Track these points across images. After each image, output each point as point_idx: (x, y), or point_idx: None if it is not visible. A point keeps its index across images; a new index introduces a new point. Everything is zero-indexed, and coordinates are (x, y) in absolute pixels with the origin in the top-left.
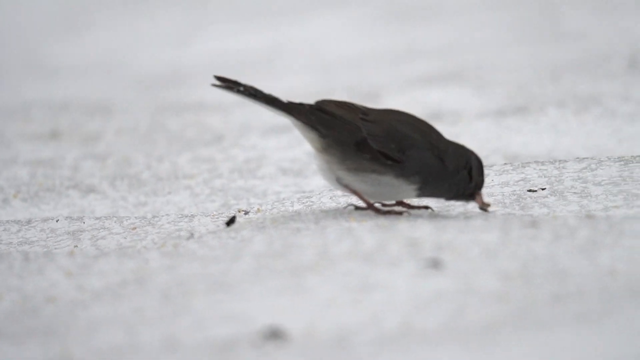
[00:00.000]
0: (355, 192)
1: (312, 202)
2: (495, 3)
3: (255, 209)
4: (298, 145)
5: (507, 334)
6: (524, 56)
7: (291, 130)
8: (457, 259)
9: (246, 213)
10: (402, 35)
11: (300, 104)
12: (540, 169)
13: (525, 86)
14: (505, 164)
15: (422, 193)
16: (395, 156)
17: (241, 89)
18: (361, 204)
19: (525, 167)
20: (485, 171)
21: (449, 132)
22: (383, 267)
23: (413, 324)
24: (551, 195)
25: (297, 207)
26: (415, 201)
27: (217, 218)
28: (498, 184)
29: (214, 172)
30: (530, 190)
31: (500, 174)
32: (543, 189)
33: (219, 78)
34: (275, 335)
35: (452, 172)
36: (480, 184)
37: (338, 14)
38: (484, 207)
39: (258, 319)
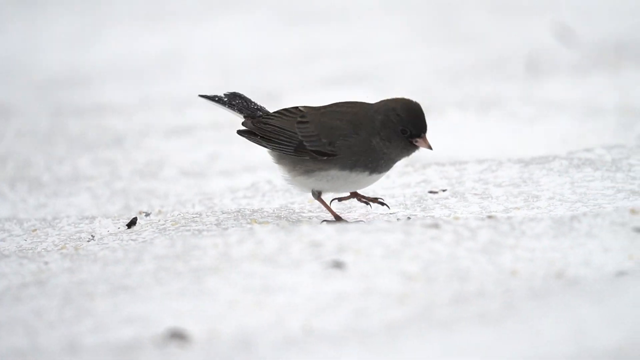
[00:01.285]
0: (322, 203)
1: (213, 203)
2: (395, 6)
3: (157, 210)
4: (199, 147)
5: (409, 334)
6: (425, 58)
7: (193, 132)
8: (359, 260)
9: (147, 215)
10: (304, 37)
11: (253, 116)
12: (441, 171)
13: (426, 88)
14: (406, 165)
15: (373, 172)
16: (327, 150)
17: (217, 97)
18: (330, 217)
19: (426, 168)
20: (387, 173)
21: None
22: (285, 269)
23: (315, 325)
24: (452, 196)
25: (198, 208)
26: (370, 193)
27: (118, 220)
28: (399, 186)
29: (114, 173)
30: (431, 192)
31: (401, 176)
32: (444, 191)
33: (201, 96)
34: (177, 337)
35: (373, 137)
36: (414, 125)
37: (239, 16)
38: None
39: (160, 321)
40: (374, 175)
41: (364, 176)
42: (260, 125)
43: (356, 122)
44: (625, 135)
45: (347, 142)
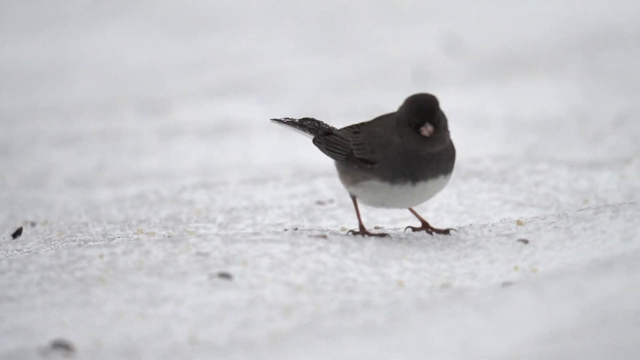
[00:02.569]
0: (355, 207)
1: (100, 213)
2: (283, 15)
3: (42, 220)
4: (86, 157)
5: (294, 345)
6: (313, 67)
7: (80, 141)
8: (246, 272)
9: (33, 225)
10: (193, 46)
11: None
12: (328, 181)
13: (314, 97)
14: (293, 176)
15: (416, 180)
16: (370, 158)
17: (288, 120)
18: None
19: (313, 179)
20: (274, 184)
21: (240, 144)
22: (171, 280)
23: (201, 336)
24: (339, 207)
25: (84, 218)
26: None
27: (2, 230)
28: (287, 197)
29: None
30: (319, 203)
31: (288, 187)
32: (331, 202)
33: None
34: (61, 348)
35: (395, 137)
36: (416, 114)
37: (128, 24)
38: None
39: (44, 332)
40: (420, 185)
41: (407, 188)
42: (328, 137)
43: (392, 126)
44: (512, 147)
45: (385, 148)
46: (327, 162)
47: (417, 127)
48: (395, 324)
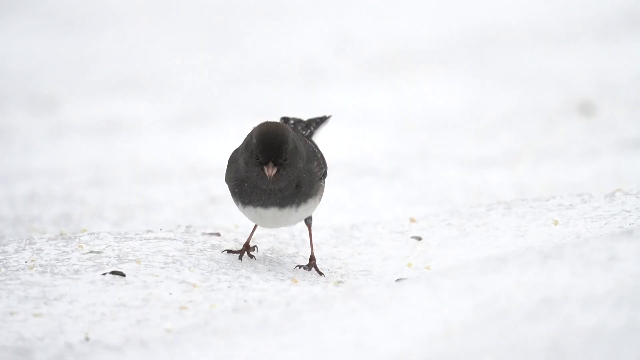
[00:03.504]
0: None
1: None
2: (168, 11)
3: None
4: None
5: (188, 342)
6: (199, 64)
7: None
8: (140, 269)
9: None
10: (78, 43)
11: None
12: (220, 179)
13: (201, 94)
14: (185, 173)
15: (261, 206)
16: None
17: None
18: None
19: (206, 176)
20: (166, 181)
21: (130, 142)
22: (65, 278)
23: (95, 335)
24: (232, 205)
25: None
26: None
27: None
28: (180, 194)
29: None
30: (211, 200)
31: (181, 184)
32: (224, 199)
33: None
34: None
35: (240, 162)
36: (258, 154)
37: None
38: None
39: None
40: (263, 211)
41: (256, 212)
42: None
43: (243, 146)
44: (404, 144)
45: (230, 167)
46: (219, 160)
47: (261, 165)
48: (289, 322)
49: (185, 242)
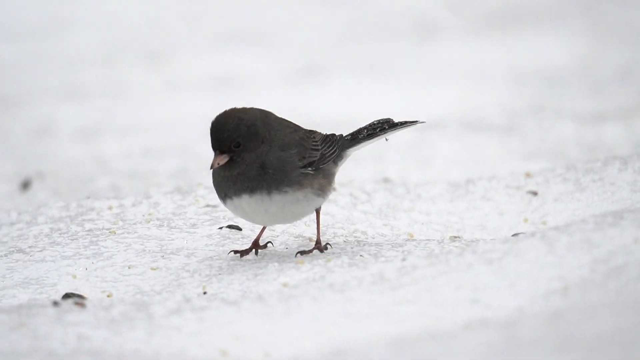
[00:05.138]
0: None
1: (107, 165)
2: None
3: (51, 172)
4: (93, 109)
5: (304, 296)
6: (314, 18)
7: (84, 93)
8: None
9: (41, 177)
10: None
11: None
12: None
13: (313, 49)
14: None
15: (231, 199)
16: None
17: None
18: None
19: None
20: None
21: (242, 96)
22: (181, 232)
23: (213, 288)
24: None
25: (92, 171)
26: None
27: (12, 182)
28: None
29: (6, 135)
30: None
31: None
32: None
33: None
34: (72, 300)
35: None
36: (212, 146)
37: None
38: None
39: (55, 284)
40: (238, 202)
41: (235, 205)
42: None
43: None
44: (518, 99)
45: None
46: (331, 116)
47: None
48: (405, 277)
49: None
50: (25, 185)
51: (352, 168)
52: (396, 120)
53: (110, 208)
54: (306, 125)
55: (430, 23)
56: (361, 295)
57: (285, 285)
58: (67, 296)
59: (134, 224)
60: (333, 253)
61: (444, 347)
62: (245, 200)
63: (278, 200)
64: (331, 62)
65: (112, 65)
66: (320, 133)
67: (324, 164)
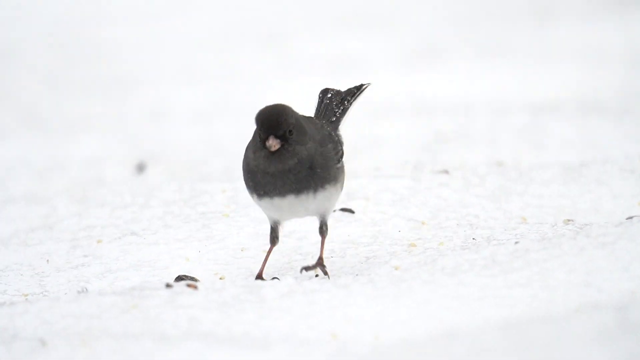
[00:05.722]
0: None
1: (222, 148)
2: None
3: (165, 155)
4: (209, 91)
5: (414, 278)
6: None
7: (201, 76)
8: (368, 207)
9: (155, 159)
10: None
11: None
12: (449, 115)
13: (430, 31)
14: (414, 110)
15: (272, 198)
16: None
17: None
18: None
19: (433, 113)
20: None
21: (359, 77)
22: None
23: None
24: (461, 142)
25: (206, 152)
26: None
27: (126, 164)
28: (409, 131)
29: (124, 117)
30: (439, 138)
31: (409, 120)
32: (454, 133)
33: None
34: (185, 283)
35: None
36: (263, 132)
37: None
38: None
39: (168, 266)
40: (279, 200)
41: (273, 202)
42: None
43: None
44: (634, 81)
45: (243, 162)
46: (449, 97)
47: (263, 142)
48: (517, 260)
49: (413, 179)
50: (140, 168)
51: (463, 150)
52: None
53: (223, 191)
54: (421, 109)
55: (548, 3)
56: (473, 278)
57: (396, 268)
58: (179, 278)
59: (247, 207)
60: (445, 237)
61: (555, 331)
62: (288, 200)
63: (320, 198)
64: (447, 44)
65: (228, 48)
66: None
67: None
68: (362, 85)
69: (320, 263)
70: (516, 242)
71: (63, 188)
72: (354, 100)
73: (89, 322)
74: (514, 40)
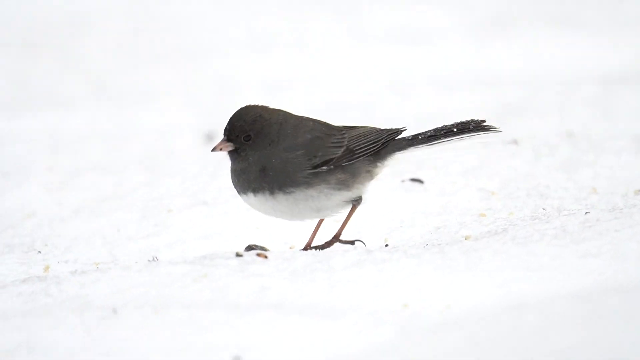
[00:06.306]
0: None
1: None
2: None
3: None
4: (278, 62)
5: (486, 249)
6: None
7: (271, 46)
8: (437, 177)
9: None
10: None
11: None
12: (518, 87)
13: (503, 1)
14: (476, 83)
15: (244, 195)
16: None
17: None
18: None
19: (502, 85)
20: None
21: (420, 51)
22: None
23: (394, 240)
24: (530, 113)
25: None
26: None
27: (196, 135)
28: (476, 103)
29: (193, 88)
30: (506, 109)
31: (477, 92)
32: (523, 108)
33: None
34: (254, 251)
35: None
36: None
37: None
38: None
39: (237, 236)
40: (251, 198)
41: (248, 200)
42: None
43: None
44: None
45: None
46: (516, 69)
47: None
48: (588, 230)
49: (483, 150)
50: (210, 137)
51: (533, 122)
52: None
53: None
54: (481, 82)
55: None
56: (543, 248)
57: (466, 238)
58: (249, 248)
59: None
60: (515, 207)
61: (627, 301)
62: (252, 198)
63: (284, 200)
64: (515, 15)
65: (298, 16)
66: (365, 128)
67: (351, 160)
68: (488, 128)
69: (334, 241)
70: (587, 212)
71: (133, 158)
72: (452, 137)
73: (160, 291)
74: (583, 10)
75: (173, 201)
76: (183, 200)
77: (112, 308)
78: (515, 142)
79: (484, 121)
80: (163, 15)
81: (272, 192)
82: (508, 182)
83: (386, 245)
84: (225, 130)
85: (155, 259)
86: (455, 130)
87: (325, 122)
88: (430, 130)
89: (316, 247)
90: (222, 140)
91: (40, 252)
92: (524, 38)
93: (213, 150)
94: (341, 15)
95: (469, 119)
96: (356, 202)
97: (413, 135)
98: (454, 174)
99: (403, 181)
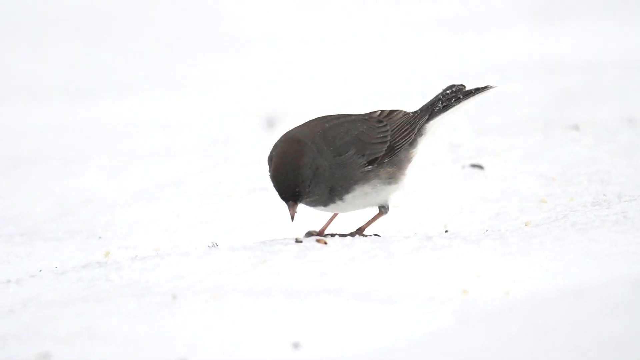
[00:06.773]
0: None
1: (351, 105)
2: None
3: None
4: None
5: (546, 235)
6: None
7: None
8: (498, 163)
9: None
10: None
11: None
12: (578, 72)
13: None
14: (539, 69)
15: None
16: None
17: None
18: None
19: (561, 70)
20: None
21: (478, 38)
22: (423, 169)
23: (454, 226)
24: (591, 98)
25: (327, 104)
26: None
27: (255, 121)
28: (535, 88)
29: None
30: (567, 95)
31: (537, 78)
32: (583, 93)
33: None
34: (315, 237)
35: None
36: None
37: None
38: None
39: (297, 222)
40: (320, 208)
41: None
42: None
43: None
44: None
45: None
46: (576, 55)
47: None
48: None
49: (544, 135)
50: (270, 123)
51: (594, 108)
52: (467, 87)
53: None
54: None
55: None
56: (604, 234)
57: (526, 224)
58: (309, 234)
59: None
60: (576, 193)
61: None
62: (321, 209)
63: (349, 198)
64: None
65: (354, 6)
66: (399, 117)
67: (392, 156)
68: (486, 87)
69: (358, 232)
70: None
71: (193, 144)
72: (461, 101)
73: (219, 277)
74: None
75: (233, 187)
76: (243, 186)
77: (172, 294)
78: (576, 127)
79: (476, 89)
80: (218, 5)
81: (342, 199)
82: (568, 167)
83: (446, 232)
84: (282, 197)
85: (215, 245)
86: (460, 96)
87: (356, 115)
88: (439, 101)
89: (347, 234)
90: (289, 206)
91: (100, 237)
92: (583, 23)
93: (292, 220)
94: (395, 4)
95: (458, 85)
96: (384, 209)
97: (427, 110)
98: (514, 160)
99: (463, 167)
